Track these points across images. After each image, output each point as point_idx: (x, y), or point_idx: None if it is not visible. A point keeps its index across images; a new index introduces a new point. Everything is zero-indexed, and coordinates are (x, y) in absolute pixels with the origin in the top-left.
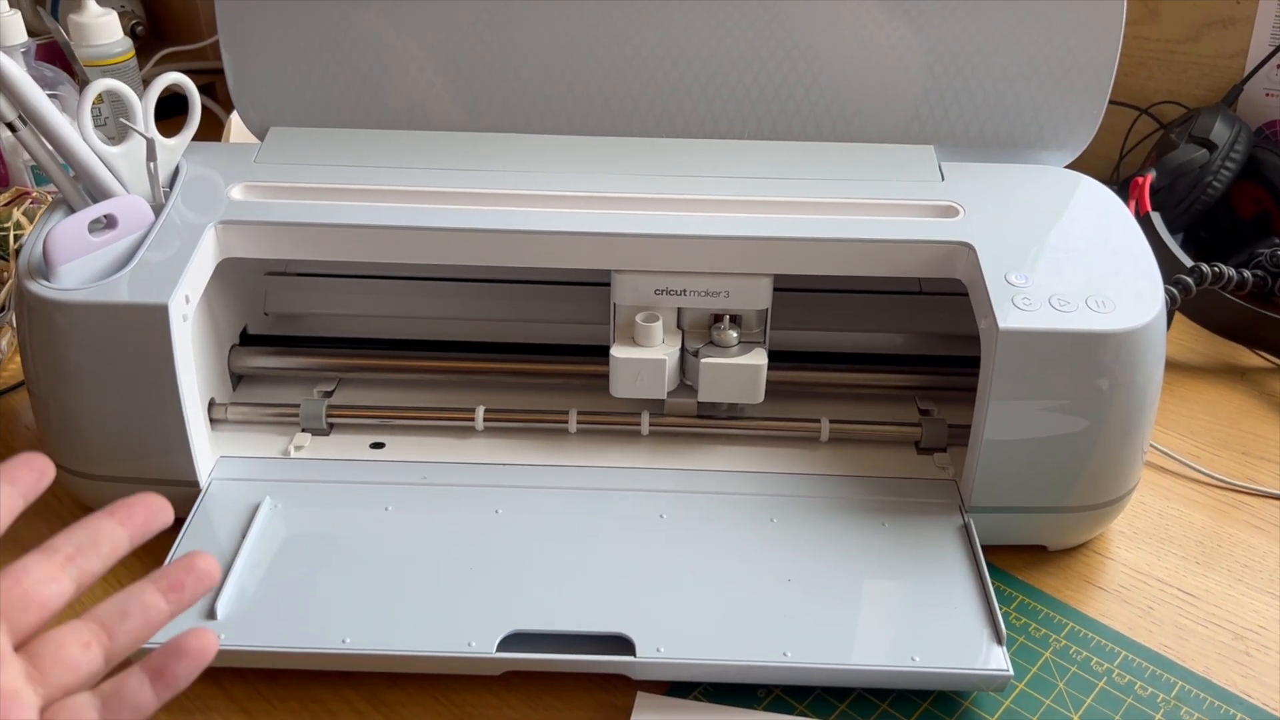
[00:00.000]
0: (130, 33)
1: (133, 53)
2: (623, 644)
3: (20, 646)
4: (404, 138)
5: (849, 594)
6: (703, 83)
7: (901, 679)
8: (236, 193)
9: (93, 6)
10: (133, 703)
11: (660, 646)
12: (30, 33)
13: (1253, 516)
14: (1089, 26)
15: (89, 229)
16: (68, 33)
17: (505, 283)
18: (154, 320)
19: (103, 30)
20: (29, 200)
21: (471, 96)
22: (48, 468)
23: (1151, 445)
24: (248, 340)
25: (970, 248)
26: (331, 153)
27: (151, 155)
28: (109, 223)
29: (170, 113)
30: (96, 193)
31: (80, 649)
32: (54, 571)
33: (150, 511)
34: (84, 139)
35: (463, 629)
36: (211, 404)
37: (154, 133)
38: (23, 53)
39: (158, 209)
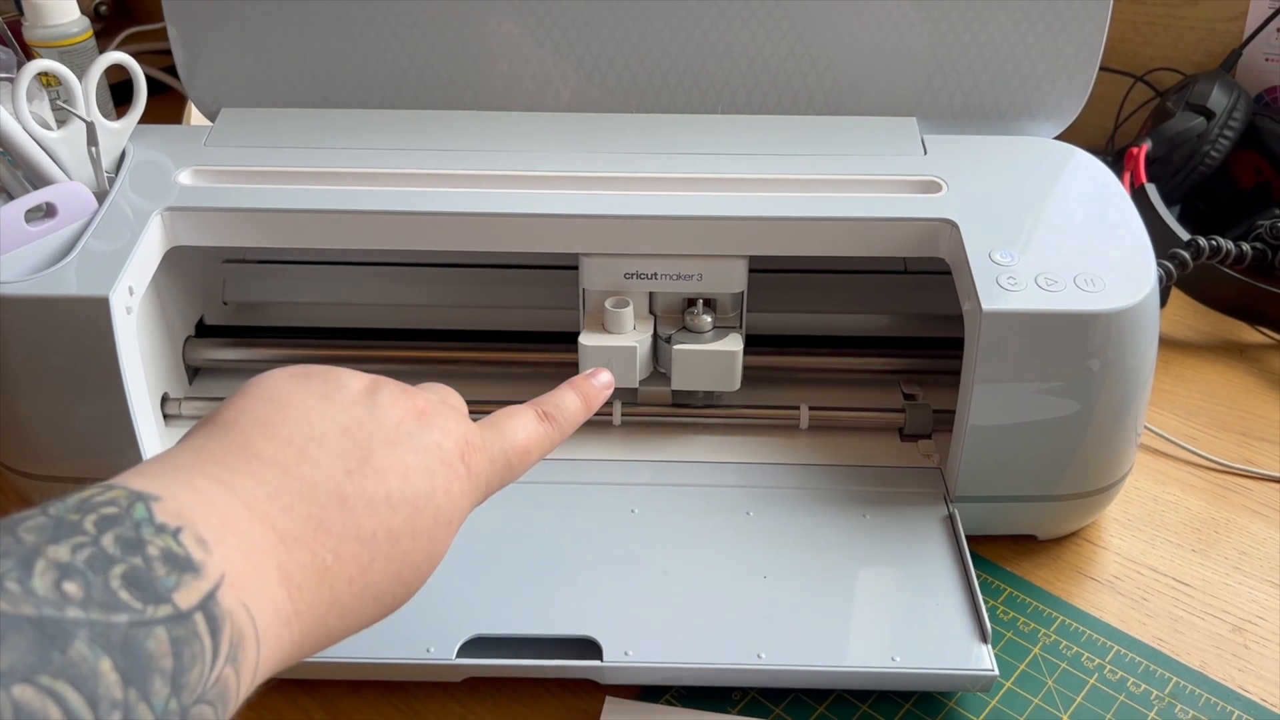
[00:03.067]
0: (94, 12)
1: (90, 33)
2: (590, 647)
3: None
4: (362, 117)
5: (827, 591)
6: (673, 55)
7: (882, 680)
8: (185, 177)
9: None
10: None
11: (629, 650)
12: None
13: (1252, 501)
14: None
15: (26, 218)
16: (21, 12)
17: (472, 267)
18: (95, 314)
19: (57, 9)
20: None
21: (431, 73)
22: None
23: (1146, 427)
24: (204, 331)
25: (953, 225)
26: (286, 134)
27: (93, 139)
28: (48, 211)
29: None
30: (36, 180)
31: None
32: (532, 420)
33: (600, 393)
34: (20, 123)
35: (422, 634)
36: (165, 399)
37: (95, 115)
38: None
39: (101, 196)
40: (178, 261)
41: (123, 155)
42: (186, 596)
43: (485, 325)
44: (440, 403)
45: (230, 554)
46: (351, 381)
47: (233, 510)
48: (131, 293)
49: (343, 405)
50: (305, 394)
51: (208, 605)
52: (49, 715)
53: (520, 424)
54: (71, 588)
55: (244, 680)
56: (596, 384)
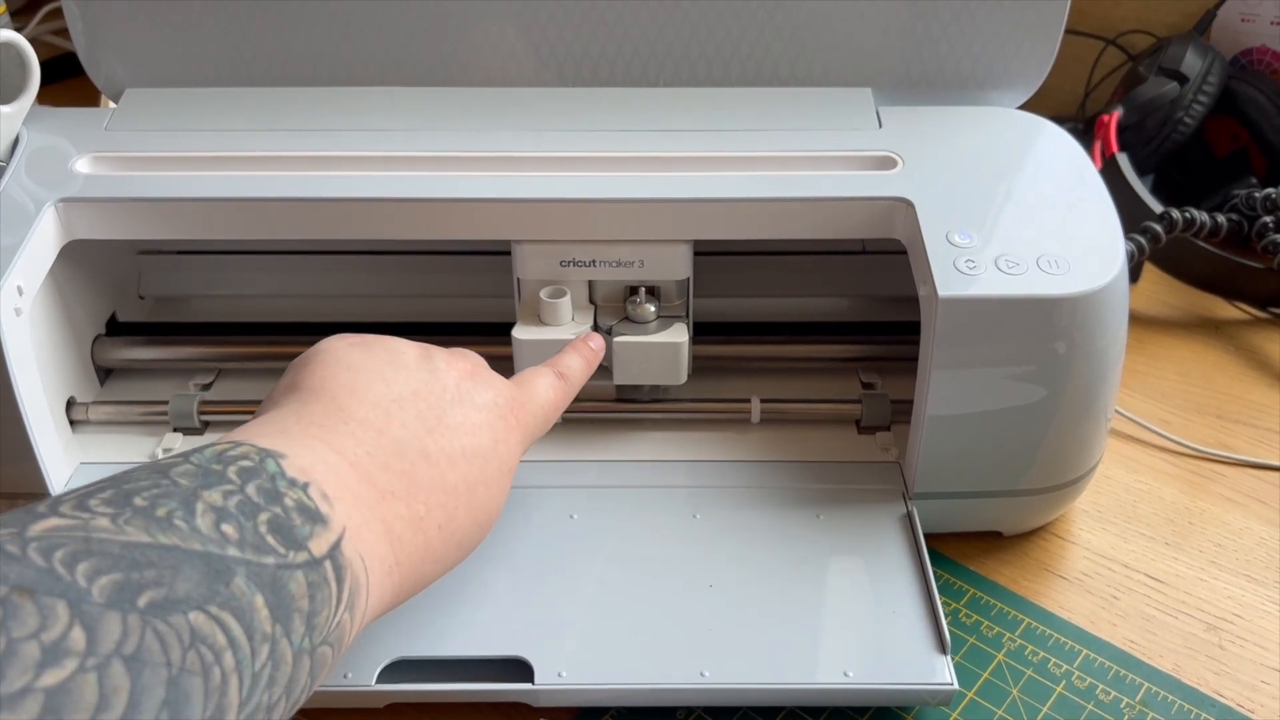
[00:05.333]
0: None
1: (4, 8)
2: (521, 668)
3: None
4: (278, 97)
5: (777, 601)
6: (609, 24)
7: (834, 696)
8: (83, 165)
9: None
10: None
11: (562, 670)
12: None
13: (1228, 488)
14: None
15: None
16: None
17: (405, 254)
18: None
19: None
20: None
21: (350, 47)
22: None
23: (1117, 411)
24: (117, 329)
25: (909, 204)
26: (194, 116)
27: None
28: None
29: (65, 75)
30: None
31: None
32: (552, 378)
33: (597, 353)
34: None
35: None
36: (71, 403)
37: None
38: None
39: None
40: (83, 254)
41: (16, 141)
42: (318, 545)
43: (419, 316)
44: (483, 365)
45: (348, 508)
46: (407, 349)
47: (343, 468)
48: (21, 293)
49: (408, 370)
50: (375, 360)
51: (334, 554)
52: (217, 640)
53: (544, 382)
54: (229, 529)
55: (356, 625)
56: (594, 347)
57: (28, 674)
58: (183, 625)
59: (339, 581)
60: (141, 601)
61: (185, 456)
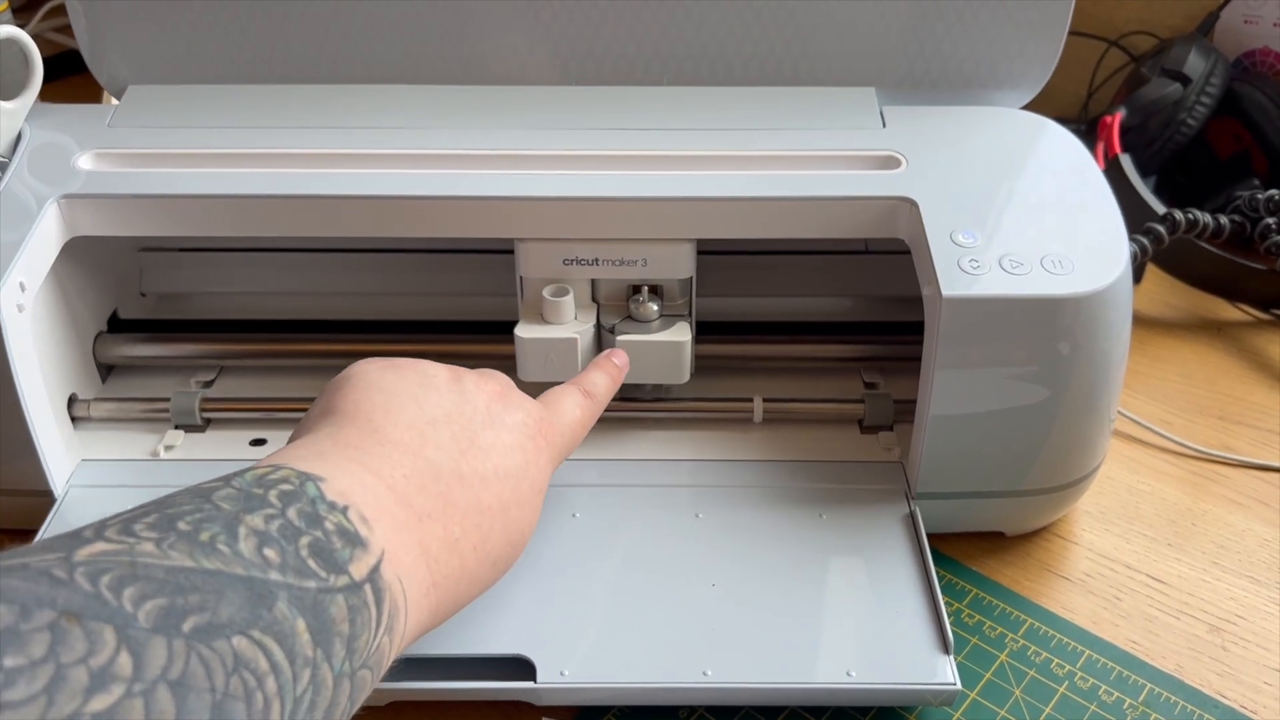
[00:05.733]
0: None
1: (6, 5)
2: (523, 667)
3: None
4: (281, 94)
5: (779, 600)
6: (613, 22)
7: (836, 696)
8: (85, 161)
9: None
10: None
11: (565, 669)
12: None
13: (1230, 490)
14: None
15: None
16: None
17: (409, 252)
18: None
19: None
20: None
21: (353, 45)
22: None
23: (1120, 412)
24: (119, 326)
25: (912, 204)
26: (197, 113)
27: None
28: None
29: (66, 72)
30: None
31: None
32: (579, 397)
33: (622, 370)
34: None
35: None
36: (72, 400)
37: None
38: None
39: None
40: (86, 251)
41: (19, 138)
42: (358, 568)
43: (422, 314)
44: (511, 386)
45: (386, 531)
46: (438, 372)
47: (381, 491)
48: (24, 289)
49: (440, 392)
50: (408, 383)
51: (374, 578)
52: (260, 665)
53: (571, 402)
54: (271, 553)
55: (395, 648)
56: (618, 363)
57: (76, 699)
58: (226, 650)
59: (378, 605)
60: (186, 626)
61: (226, 480)
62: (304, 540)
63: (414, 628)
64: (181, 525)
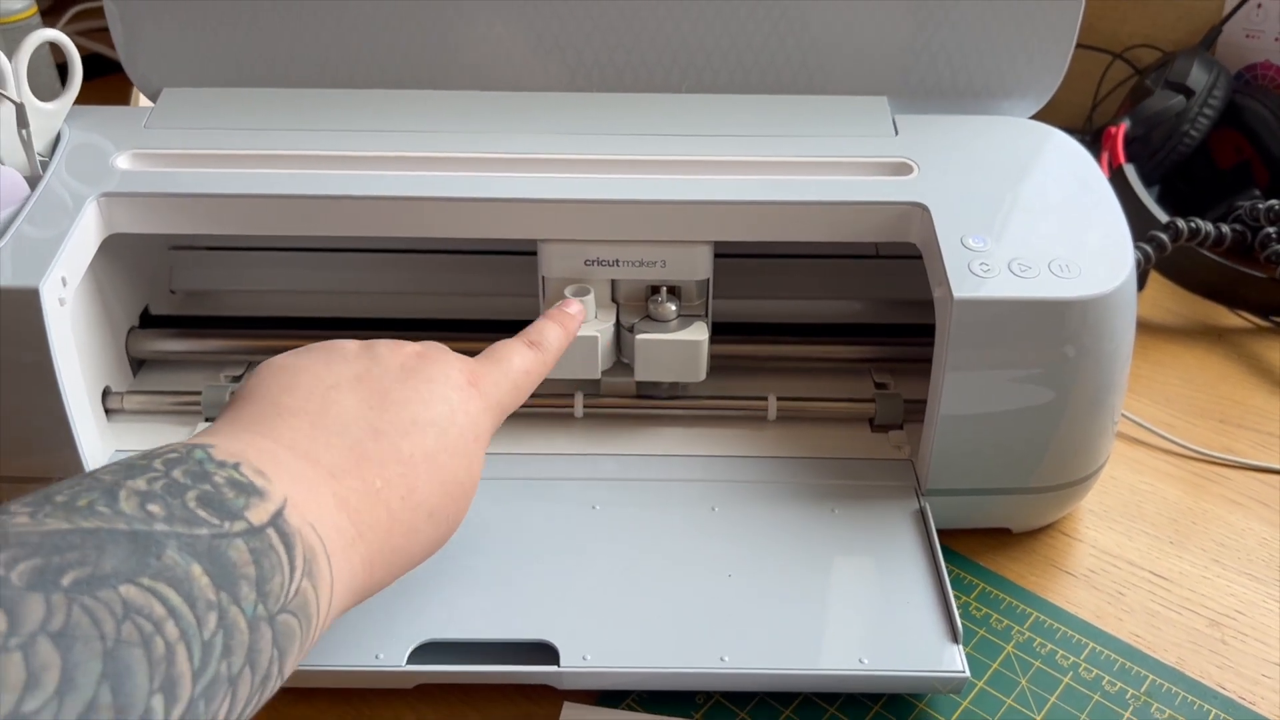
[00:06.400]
0: None
1: (34, 10)
2: (546, 651)
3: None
4: (311, 98)
5: (793, 590)
6: (634, 31)
7: (849, 682)
8: (123, 161)
9: None
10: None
11: (586, 654)
12: None
13: (1230, 490)
14: None
15: None
16: None
17: (431, 253)
18: (25, 305)
19: None
20: None
21: (384, 51)
22: None
23: (1123, 415)
24: (149, 321)
25: (924, 209)
26: (230, 115)
27: (23, 121)
28: None
29: (91, 75)
30: None
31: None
32: (522, 348)
33: (578, 323)
34: None
35: (370, 639)
36: (106, 393)
37: (26, 96)
38: None
39: (34, 181)
40: (119, 249)
41: (58, 138)
42: (257, 514)
43: (443, 313)
44: (434, 345)
45: (287, 484)
46: (348, 343)
47: (279, 452)
48: (65, 283)
49: (347, 360)
50: (311, 360)
51: (277, 522)
52: (154, 611)
53: (512, 351)
54: (155, 508)
55: (323, 597)
56: (571, 311)
57: None
58: (113, 599)
59: (288, 548)
60: (66, 581)
61: (112, 461)
62: (191, 494)
63: (346, 578)
64: (58, 498)
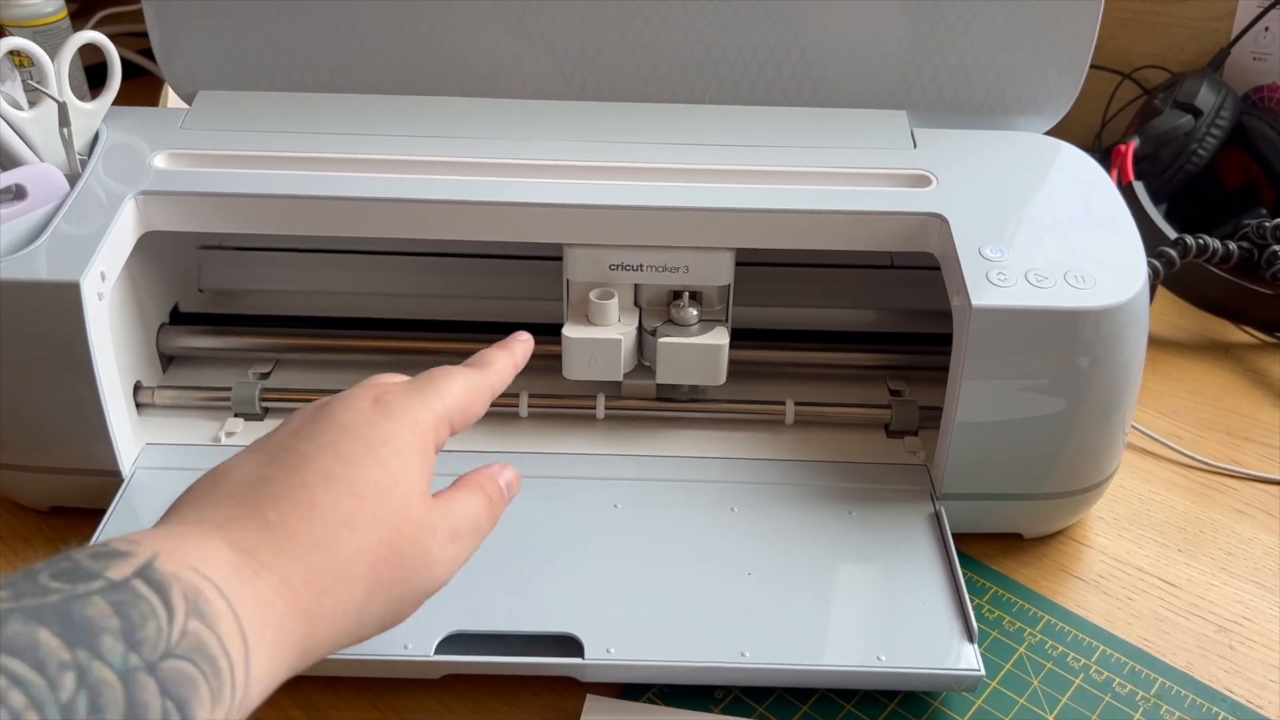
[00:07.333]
0: None
1: (65, 13)
2: (571, 644)
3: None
4: (342, 102)
5: (812, 588)
6: (660, 43)
7: (866, 679)
8: (160, 161)
9: None
10: None
11: (610, 647)
12: None
13: (1237, 500)
14: None
15: None
16: None
17: (455, 256)
18: (66, 299)
19: None
20: None
21: (415, 58)
22: None
23: (1132, 426)
24: (179, 319)
25: (943, 219)
26: (263, 118)
27: (64, 120)
28: (18, 193)
29: (123, 77)
30: (6, 161)
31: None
32: (457, 368)
33: (526, 349)
34: None
35: (399, 630)
36: (137, 387)
37: (68, 95)
38: None
39: (73, 179)
40: (152, 247)
41: (96, 137)
42: (118, 571)
43: (467, 316)
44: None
45: (159, 542)
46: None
47: (156, 529)
48: (104, 278)
49: (262, 445)
50: (232, 458)
51: (146, 572)
52: None
53: (445, 370)
54: (3, 594)
55: (226, 635)
56: (520, 337)
57: None
58: None
59: (161, 594)
60: None
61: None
62: (44, 574)
63: (257, 610)
64: None
